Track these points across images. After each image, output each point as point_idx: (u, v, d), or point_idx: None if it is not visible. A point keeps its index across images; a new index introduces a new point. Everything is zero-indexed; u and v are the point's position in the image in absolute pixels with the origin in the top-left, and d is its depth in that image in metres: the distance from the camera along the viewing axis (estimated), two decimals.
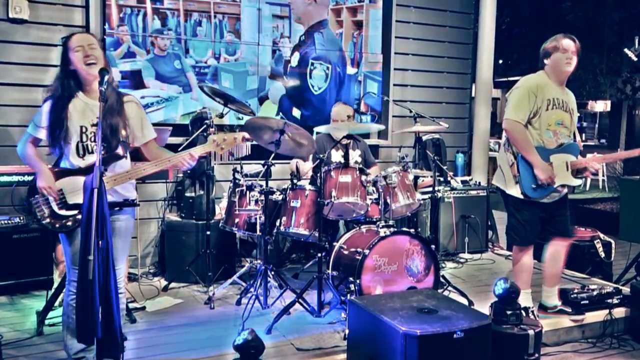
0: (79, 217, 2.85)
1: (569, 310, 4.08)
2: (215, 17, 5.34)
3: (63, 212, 2.90)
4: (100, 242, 2.59)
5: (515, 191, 3.88)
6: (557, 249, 4.06)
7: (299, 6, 5.70)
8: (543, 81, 3.89)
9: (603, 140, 29.35)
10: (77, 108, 2.93)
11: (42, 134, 2.96)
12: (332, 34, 5.83)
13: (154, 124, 4.75)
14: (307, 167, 4.80)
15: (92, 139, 2.93)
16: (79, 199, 2.84)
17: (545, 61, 3.90)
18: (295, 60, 5.67)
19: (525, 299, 3.88)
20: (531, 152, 3.79)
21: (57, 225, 2.91)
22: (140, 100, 4.88)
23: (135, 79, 5.07)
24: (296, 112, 5.58)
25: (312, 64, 5.60)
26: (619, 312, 4.21)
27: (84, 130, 2.93)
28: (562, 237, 4.05)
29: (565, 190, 3.97)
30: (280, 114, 5.63)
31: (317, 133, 4.97)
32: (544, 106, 3.83)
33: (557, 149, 3.87)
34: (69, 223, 2.91)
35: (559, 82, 3.93)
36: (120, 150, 2.98)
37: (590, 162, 3.91)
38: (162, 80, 5.19)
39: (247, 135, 3.14)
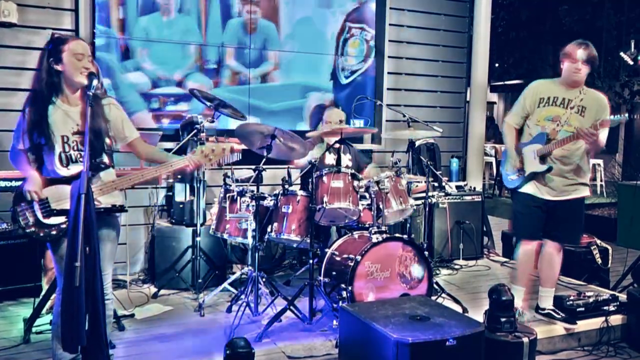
0: (64, 226, 2.80)
1: (559, 316, 4.03)
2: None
3: (48, 221, 2.83)
4: (87, 249, 2.55)
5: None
6: (548, 252, 4.06)
7: None
8: (545, 84, 4.00)
9: None
10: (58, 117, 2.84)
11: (24, 143, 2.86)
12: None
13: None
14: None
15: (75, 148, 2.86)
16: (64, 207, 2.78)
17: (561, 65, 3.94)
18: None
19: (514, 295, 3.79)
20: (507, 144, 4.08)
21: (41, 234, 2.84)
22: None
23: None
24: None
25: None
26: (616, 319, 4.16)
27: (65, 140, 2.84)
28: (553, 240, 4.04)
29: (569, 196, 3.97)
30: None
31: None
32: (536, 105, 3.94)
33: (528, 141, 3.96)
34: (53, 232, 2.83)
35: (569, 86, 3.92)
36: (105, 159, 2.92)
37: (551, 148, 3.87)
38: None
39: (236, 146, 3.05)
